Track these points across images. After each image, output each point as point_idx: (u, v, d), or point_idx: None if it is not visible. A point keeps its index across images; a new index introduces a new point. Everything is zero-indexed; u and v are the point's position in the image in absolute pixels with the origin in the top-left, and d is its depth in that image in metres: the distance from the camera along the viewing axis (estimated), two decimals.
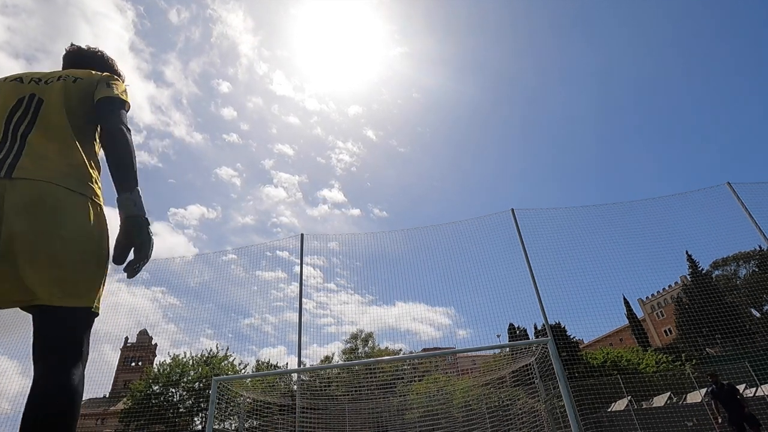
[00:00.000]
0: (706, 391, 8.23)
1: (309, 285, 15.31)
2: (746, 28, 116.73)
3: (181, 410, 23.66)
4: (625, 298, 33.40)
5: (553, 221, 11.94)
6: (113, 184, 1.35)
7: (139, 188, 1.35)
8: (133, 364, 43.51)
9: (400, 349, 24.72)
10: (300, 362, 10.09)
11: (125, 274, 1.31)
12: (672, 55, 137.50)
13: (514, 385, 10.93)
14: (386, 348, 26.13)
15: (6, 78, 1.49)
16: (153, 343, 39.64)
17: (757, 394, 12.24)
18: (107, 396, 34.08)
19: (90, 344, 1.26)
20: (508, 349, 11.63)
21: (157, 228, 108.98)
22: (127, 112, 1.52)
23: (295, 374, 14.78)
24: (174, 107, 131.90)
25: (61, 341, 1.17)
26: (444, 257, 12.19)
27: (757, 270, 32.14)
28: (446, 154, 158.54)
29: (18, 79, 1.47)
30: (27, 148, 1.27)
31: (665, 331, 46.16)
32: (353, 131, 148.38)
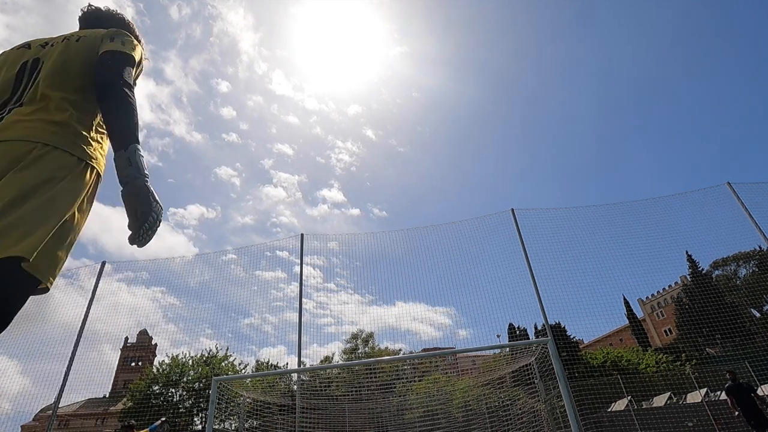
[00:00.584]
0: (724, 387, 8.54)
1: (309, 285, 15.32)
2: (746, 28, 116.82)
3: (181, 410, 23.70)
4: (625, 298, 33.40)
5: (553, 221, 11.93)
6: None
7: (138, 146, 1.16)
8: (133, 364, 43.50)
9: (400, 349, 24.77)
10: (300, 362, 10.08)
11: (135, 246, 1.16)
12: (672, 55, 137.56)
13: (514, 385, 10.92)
14: (386, 348, 26.16)
15: (15, 46, 1.41)
16: (153, 343, 39.71)
17: (757, 394, 12.25)
18: (107, 396, 34.10)
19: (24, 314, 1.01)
20: (508, 349, 11.63)
21: None
22: (134, 70, 1.34)
23: (295, 374, 14.78)
24: (174, 105, 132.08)
25: None
26: (444, 257, 12.18)
27: (757, 270, 32.13)
28: (446, 154, 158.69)
29: (26, 45, 1.39)
30: (12, 114, 1.17)
31: (665, 331, 46.16)
32: (353, 131, 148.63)
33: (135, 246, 1.15)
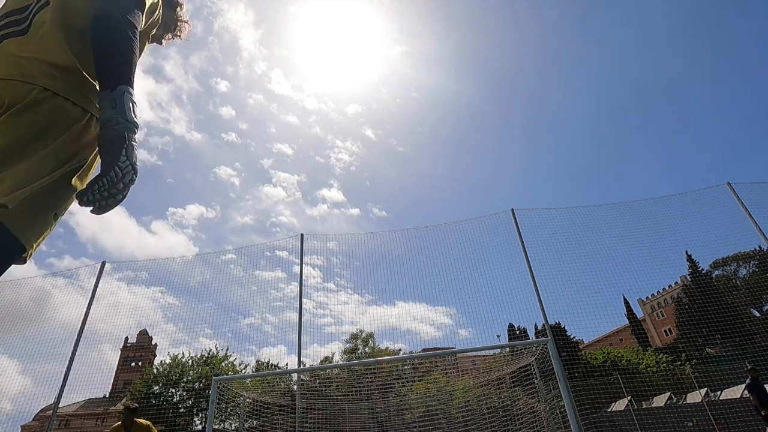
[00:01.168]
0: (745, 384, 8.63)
1: (309, 285, 15.29)
2: (747, 28, 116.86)
3: (181, 410, 23.70)
4: (625, 298, 33.35)
5: (553, 221, 11.94)
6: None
7: (130, 89, 0.98)
8: (133, 364, 43.52)
9: (400, 349, 24.78)
10: (300, 362, 10.08)
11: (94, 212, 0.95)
12: (673, 55, 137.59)
13: (513, 385, 10.92)
14: (386, 348, 26.17)
15: None
16: (153, 343, 39.75)
17: None
18: (107, 396, 34.11)
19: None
20: (508, 349, 11.63)
21: (156, 227, 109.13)
22: (139, 11, 1.09)
23: (295, 374, 14.78)
24: (174, 103, 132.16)
25: None
26: (444, 257, 12.18)
27: (757, 270, 32.15)
28: (446, 154, 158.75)
29: None
30: (8, 44, 1.01)
31: (665, 331, 46.17)
32: (352, 130, 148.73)
33: (87, 209, 0.94)
